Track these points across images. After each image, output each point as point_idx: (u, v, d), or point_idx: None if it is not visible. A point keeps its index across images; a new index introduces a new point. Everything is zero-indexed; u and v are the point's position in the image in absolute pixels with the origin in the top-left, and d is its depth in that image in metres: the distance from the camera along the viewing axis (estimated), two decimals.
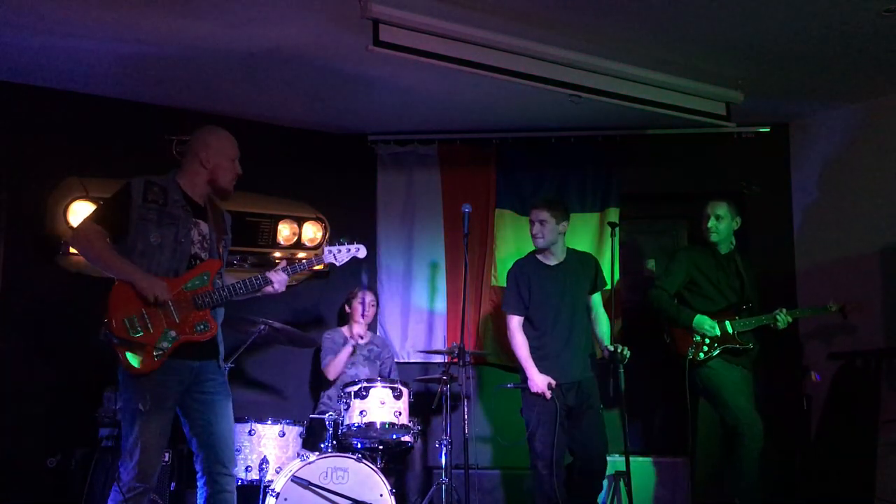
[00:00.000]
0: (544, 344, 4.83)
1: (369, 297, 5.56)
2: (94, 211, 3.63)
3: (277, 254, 5.33)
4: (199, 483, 3.54)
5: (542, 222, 4.81)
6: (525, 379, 4.80)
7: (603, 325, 5.00)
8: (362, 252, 3.96)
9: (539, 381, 4.71)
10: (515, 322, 4.88)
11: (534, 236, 4.87)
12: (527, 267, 4.95)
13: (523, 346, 4.83)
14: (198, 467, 3.55)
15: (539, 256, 4.95)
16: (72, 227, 4.67)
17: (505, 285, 5.11)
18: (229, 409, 3.61)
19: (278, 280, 3.72)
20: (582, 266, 4.99)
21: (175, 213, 3.52)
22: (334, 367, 5.34)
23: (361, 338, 5.46)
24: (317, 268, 3.94)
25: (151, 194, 3.50)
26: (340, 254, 3.92)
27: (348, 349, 5.34)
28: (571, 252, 5.01)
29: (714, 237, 5.11)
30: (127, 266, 3.41)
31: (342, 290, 5.71)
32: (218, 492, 3.51)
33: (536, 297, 4.86)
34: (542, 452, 4.69)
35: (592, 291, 5.02)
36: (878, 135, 5.59)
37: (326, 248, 3.92)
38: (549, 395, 4.68)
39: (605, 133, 6.01)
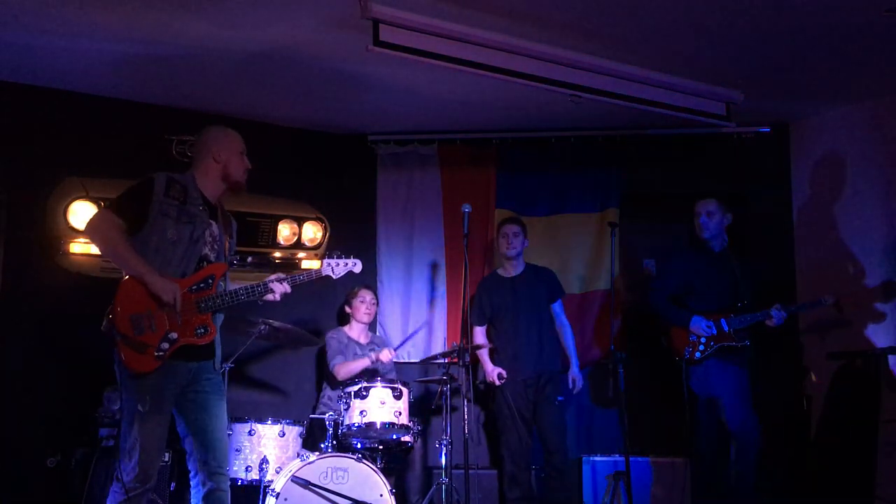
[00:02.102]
0: (504, 345, 5.42)
1: (370, 296, 5.57)
2: (113, 201, 3.54)
3: (277, 254, 5.33)
4: (193, 482, 3.53)
5: (515, 234, 5.46)
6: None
7: (567, 337, 5.56)
8: (358, 267, 4.03)
9: (489, 370, 5.37)
10: (477, 331, 5.54)
11: (508, 246, 5.46)
12: (487, 282, 5.64)
13: (484, 350, 5.47)
14: (191, 466, 3.54)
15: (499, 271, 5.61)
16: (77, 231, 4.67)
17: None
18: (223, 408, 3.60)
19: (280, 290, 3.72)
20: (538, 278, 5.54)
21: (193, 212, 3.51)
22: (347, 371, 5.26)
23: (362, 343, 5.52)
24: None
25: (173, 190, 3.48)
26: (338, 267, 3.97)
27: (365, 362, 5.31)
28: (529, 266, 5.58)
29: (706, 234, 5.15)
30: (140, 263, 3.38)
31: (341, 288, 5.68)
32: (211, 491, 3.49)
33: (496, 306, 5.48)
34: (511, 454, 5.27)
35: (551, 300, 5.54)
36: (879, 135, 5.59)
37: (325, 262, 3.96)
38: (498, 382, 5.29)
39: (605, 133, 6.02)
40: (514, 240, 5.43)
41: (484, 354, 5.44)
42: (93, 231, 3.51)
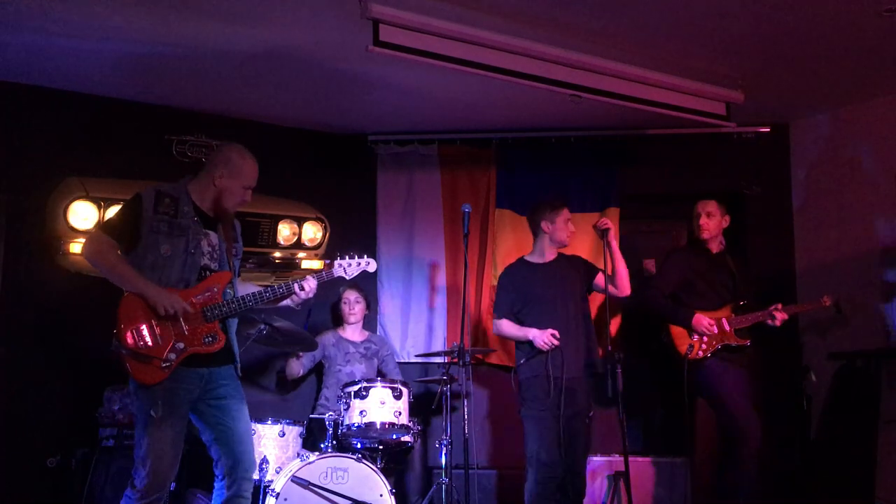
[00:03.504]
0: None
1: (353, 296, 5.55)
2: (106, 222, 3.65)
3: (277, 254, 5.33)
4: (218, 486, 3.54)
5: (568, 220, 4.99)
6: (526, 356, 4.80)
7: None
8: (372, 266, 4.00)
9: (538, 334, 4.71)
10: (503, 322, 4.94)
11: (566, 235, 4.98)
12: (514, 270, 5.05)
13: (512, 324, 4.87)
14: (217, 472, 3.55)
15: (527, 258, 5.06)
16: (77, 231, 4.67)
17: None
18: (245, 412, 3.62)
19: (307, 291, 3.71)
20: (570, 264, 5.04)
21: (185, 224, 3.52)
22: (287, 370, 5.49)
23: (356, 341, 5.54)
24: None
25: (162, 206, 3.49)
26: (350, 267, 3.94)
27: (294, 361, 5.43)
28: (560, 254, 5.07)
29: (705, 234, 5.14)
30: (139, 279, 3.42)
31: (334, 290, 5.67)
32: (235, 495, 3.51)
33: (527, 296, 4.90)
34: (537, 454, 4.67)
35: (589, 281, 5.01)
36: (878, 134, 5.59)
37: (336, 263, 3.94)
38: (556, 342, 4.66)
39: (605, 133, 6.01)
40: (572, 226, 5.02)
41: (519, 328, 4.83)
42: (88, 254, 3.54)
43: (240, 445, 3.54)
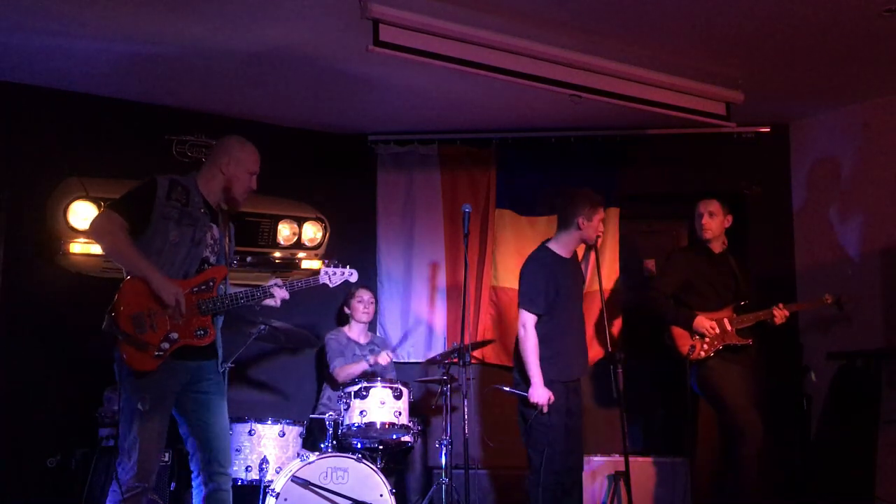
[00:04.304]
0: (565, 342, 4.60)
1: (367, 295, 5.58)
2: (116, 202, 3.56)
3: (277, 254, 5.34)
4: (195, 482, 3.56)
5: (602, 221, 4.74)
6: (521, 389, 4.53)
7: None
8: (354, 276, 4.14)
9: (542, 394, 4.41)
10: (532, 322, 4.51)
11: (595, 235, 4.69)
12: (546, 259, 4.65)
13: (536, 350, 4.47)
14: (193, 467, 3.57)
15: (553, 249, 4.69)
16: (77, 231, 4.68)
17: (520, 281, 4.66)
18: (224, 408, 3.64)
19: (280, 295, 3.80)
20: (578, 262, 4.92)
21: (195, 215, 3.55)
22: (347, 374, 5.23)
23: (361, 343, 5.53)
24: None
25: (175, 193, 3.52)
26: (335, 276, 4.08)
27: (363, 365, 5.27)
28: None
29: (707, 234, 5.13)
30: (146, 264, 3.41)
31: (341, 291, 5.65)
32: (214, 490, 3.53)
33: (561, 293, 4.56)
34: (549, 460, 4.45)
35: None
36: (878, 135, 5.59)
37: (323, 270, 4.07)
38: (546, 409, 4.41)
39: (605, 133, 6.01)
40: (602, 226, 4.73)
41: (537, 364, 4.46)
42: (96, 231, 3.53)
43: (216, 441, 3.56)
